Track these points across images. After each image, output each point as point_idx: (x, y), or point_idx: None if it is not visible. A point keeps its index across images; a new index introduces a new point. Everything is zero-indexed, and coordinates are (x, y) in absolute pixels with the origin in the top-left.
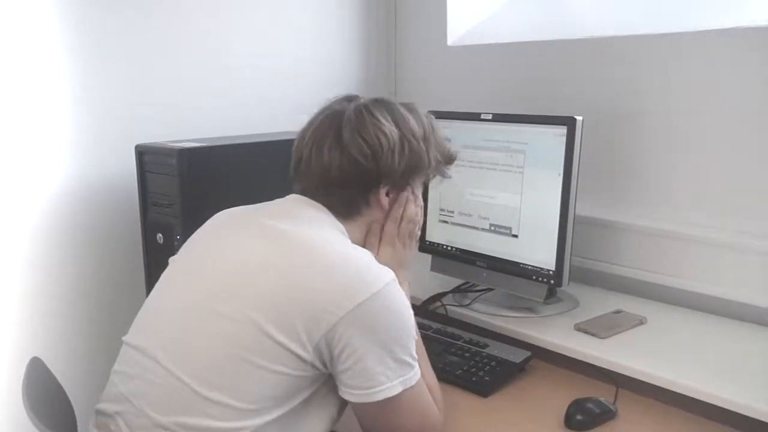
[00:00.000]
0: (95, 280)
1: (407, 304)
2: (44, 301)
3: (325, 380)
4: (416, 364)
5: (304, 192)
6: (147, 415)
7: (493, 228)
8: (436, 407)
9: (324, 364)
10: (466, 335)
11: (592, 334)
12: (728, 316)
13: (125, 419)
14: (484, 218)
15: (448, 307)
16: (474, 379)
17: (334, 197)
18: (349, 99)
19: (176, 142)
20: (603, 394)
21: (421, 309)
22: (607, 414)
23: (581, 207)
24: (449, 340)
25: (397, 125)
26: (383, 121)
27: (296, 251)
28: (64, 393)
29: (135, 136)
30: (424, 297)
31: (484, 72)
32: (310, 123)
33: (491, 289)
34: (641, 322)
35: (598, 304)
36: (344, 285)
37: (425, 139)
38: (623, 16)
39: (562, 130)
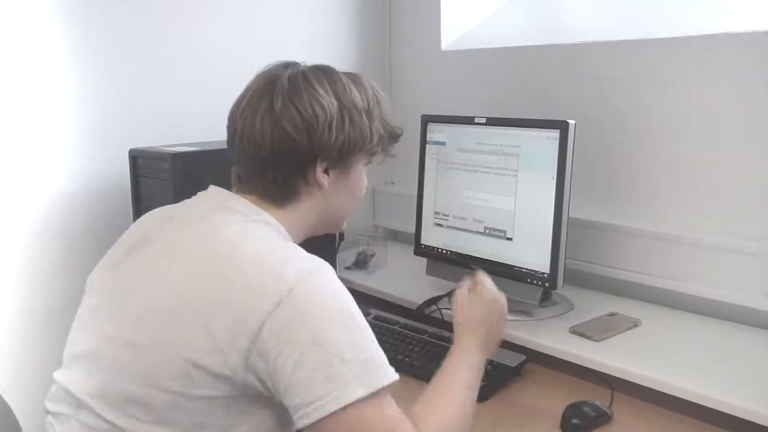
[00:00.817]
0: None
1: (340, 295)
2: (36, 306)
3: (266, 405)
4: (383, 367)
5: (240, 175)
6: None
7: (487, 231)
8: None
9: (264, 384)
10: None
11: (587, 337)
12: (722, 318)
13: None
14: (479, 221)
15: (443, 310)
16: None
17: (269, 180)
18: (287, 65)
19: (170, 146)
20: (598, 397)
21: (416, 313)
22: (602, 417)
23: (576, 210)
24: (445, 344)
25: (336, 96)
26: (320, 91)
27: (210, 269)
28: (6, 405)
29: (129, 140)
30: (419, 301)
31: (478, 76)
32: (245, 93)
33: None
34: (636, 324)
35: (592, 306)
36: (258, 286)
37: (368, 112)
38: (615, 21)
39: (555, 134)
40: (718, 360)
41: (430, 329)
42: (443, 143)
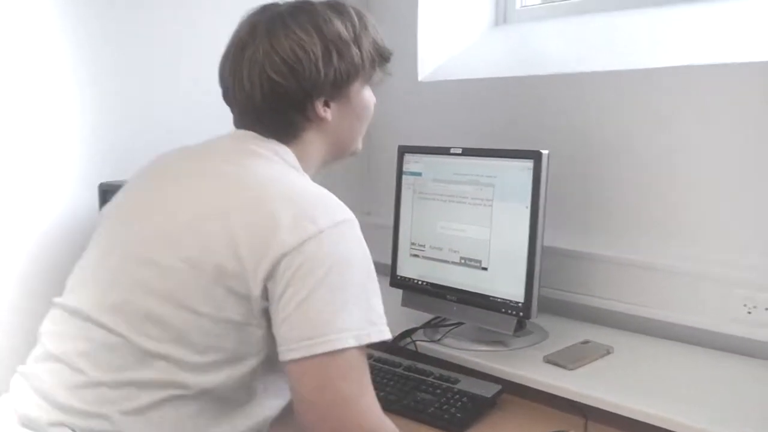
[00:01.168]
0: None
1: (364, 249)
2: (4, 343)
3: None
4: (379, 325)
5: (243, 124)
6: (84, 373)
7: (463, 261)
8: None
9: (269, 315)
10: (437, 371)
11: (561, 366)
12: (694, 344)
13: (59, 378)
14: (455, 251)
15: (418, 343)
16: (446, 416)
17: (270, 124)
18: (264, 9)
19: None
20: (573, 426)
21: (390, 346)
22: None
23: (550, 238)
24: (420, 377)
25: (319, 33)
26: (299, 32)
27: (241, 192)
28: None
29: (98, 174)
30: (395, 333)
31: (454, 107)
32: (229, 46)
33: (462, 324)
34: (608, 351)
35: (566, 334)
36: (288, 220)
37: (356, 39)
38: (588, 53)
39: (529, 164)
40: (690, 386)
41: (405, 362)
42: (419, 174)
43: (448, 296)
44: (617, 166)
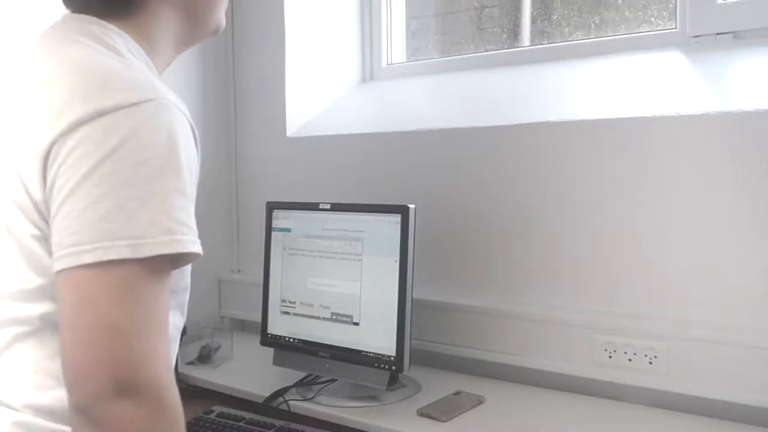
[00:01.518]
0: None
1: (170, 139)
2: None
3: None
4: (179, 234)
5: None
6: None
7: (334, 317)
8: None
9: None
10: (311, 430)
11: (434, 418)
12: (561, 389)
13: None
14: (326, 307)
15: (291, 402)
16: None
17: None
18: None
19: None
20: None
21: (263, 407)
22: None
23: (421, 291)
24: None
25: None
26: None
27: (33, 88)
28: None
29: None
30: (266, 393)
31: (323, 162)
32: None
33: (335, 380)
34: (480, 401)
35: (439, 386)
36: (64, 99)
37: None
38: (452, 110)
39: (397, 218)
40: (557, 430)
41: (277, 423)
42: (289, 230)
43: (320, 353)
44: (483, 219)
